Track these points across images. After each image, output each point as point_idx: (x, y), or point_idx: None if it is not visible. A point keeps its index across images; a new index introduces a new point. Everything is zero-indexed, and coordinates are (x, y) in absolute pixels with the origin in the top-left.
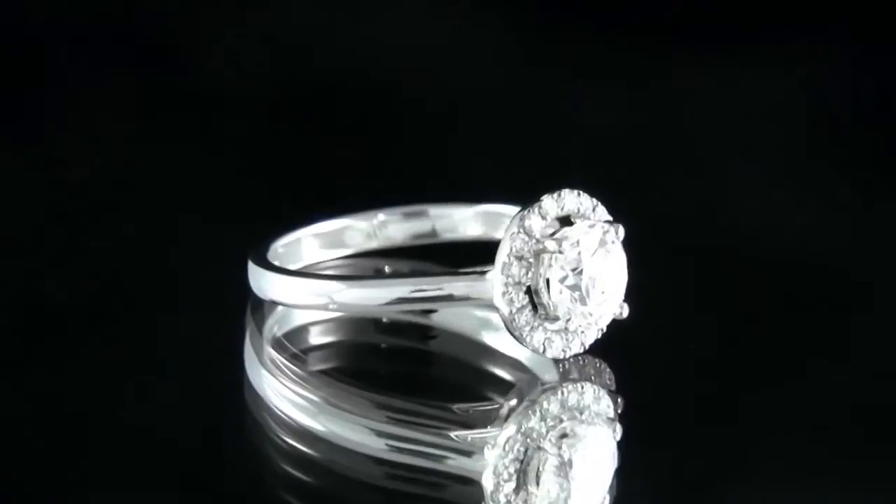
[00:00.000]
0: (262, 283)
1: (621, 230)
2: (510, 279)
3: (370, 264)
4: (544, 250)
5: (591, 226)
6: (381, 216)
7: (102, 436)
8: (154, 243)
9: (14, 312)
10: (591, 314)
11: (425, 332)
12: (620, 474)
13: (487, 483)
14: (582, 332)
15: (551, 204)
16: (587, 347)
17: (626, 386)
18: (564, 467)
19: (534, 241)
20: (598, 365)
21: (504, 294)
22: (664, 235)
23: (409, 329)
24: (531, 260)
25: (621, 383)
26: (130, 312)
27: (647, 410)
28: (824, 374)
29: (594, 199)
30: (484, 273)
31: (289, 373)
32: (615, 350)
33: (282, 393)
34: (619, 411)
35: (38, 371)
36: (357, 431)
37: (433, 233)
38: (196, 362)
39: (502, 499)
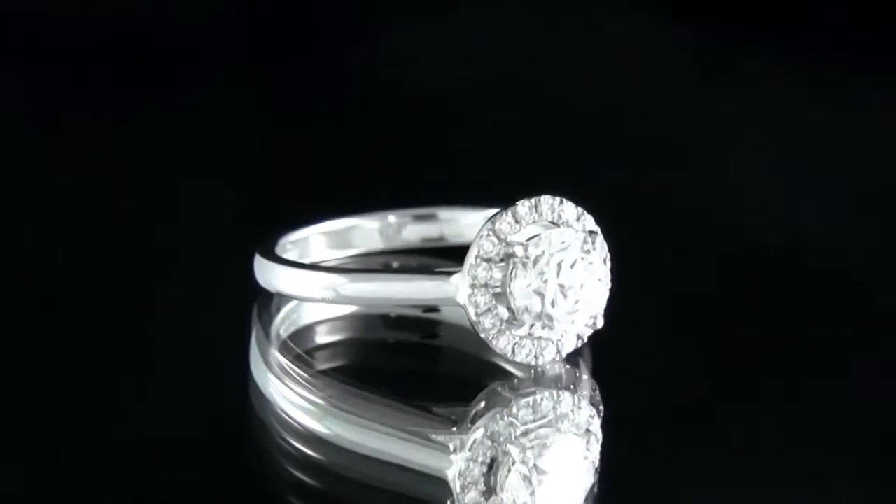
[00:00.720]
0: (264, 271)
1: (599, 241)
2: (476, 281)
3: (379, 262)
4: (512, 255)
5: (566, 234)
6: (391, 217)
7: (105, 437)
8: (158, 243)
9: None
10: (558, 323)
11: (430, 330)
12: (600, 487)
13: (454, 485)
14: (559, 340)
15: (525, 209)
16: (563, 356)
17: (615, 397)
18: (529, 475)
19: (503, 244)
20: (577, 374)
21: (469, 296)
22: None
23: (418, 325)
24: (500, 263)
25: (609, 394)
26: (134, 313)
27: (630, 421)
28: (824, 377)
29: (580, 209)
30: (452, 274)
31: (294, 375)
32: (605, 358)
33: (287, 396)
34: (599, 423)
35: (39, 373)
36: (352, 432)
37: (441, 237)
38: (202, 364)
39: (467, 501)
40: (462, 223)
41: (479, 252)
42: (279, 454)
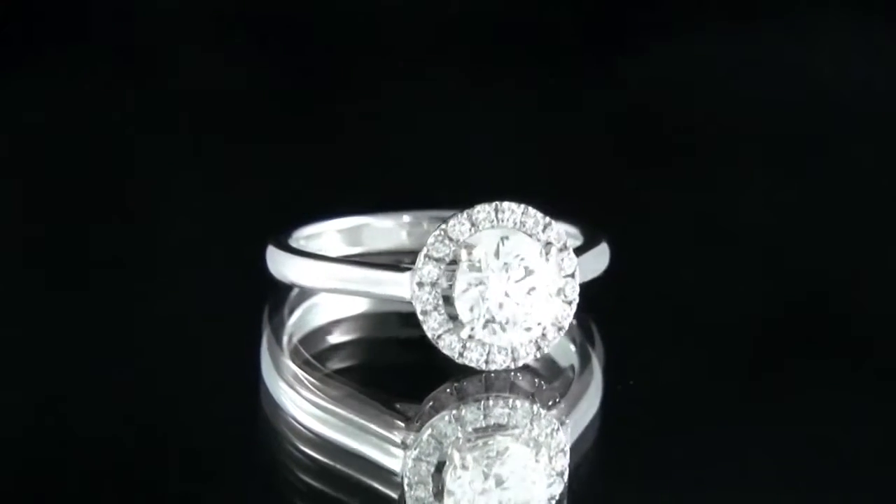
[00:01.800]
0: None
1: (565, 255)
2: (423, 279)
3: (390, 261)
4: (458, 257)
5: (521, 241)
6: (406, 217)
7: (109, 441)
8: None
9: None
10: (502, 329)
11: None
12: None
13: (402, 482)
14: (513, 348)
15: (483, 214)
16: (518, 365)
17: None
18: (472, 479)
19: (454, 246)
20: (537, 382)
21: (416, 294)
22: None
23: None
24: (449, 265)
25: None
26: (139, 314)
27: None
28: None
29: (547, 219)
30: (404, 270)
31: (305, 381)
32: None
33: (297, 403)
34: (561, 434)
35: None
36: (311, 418)
37: None
38: (212, 367)
39: (409, 501)
40: None
41: (428, 251)
42: (289, 461)
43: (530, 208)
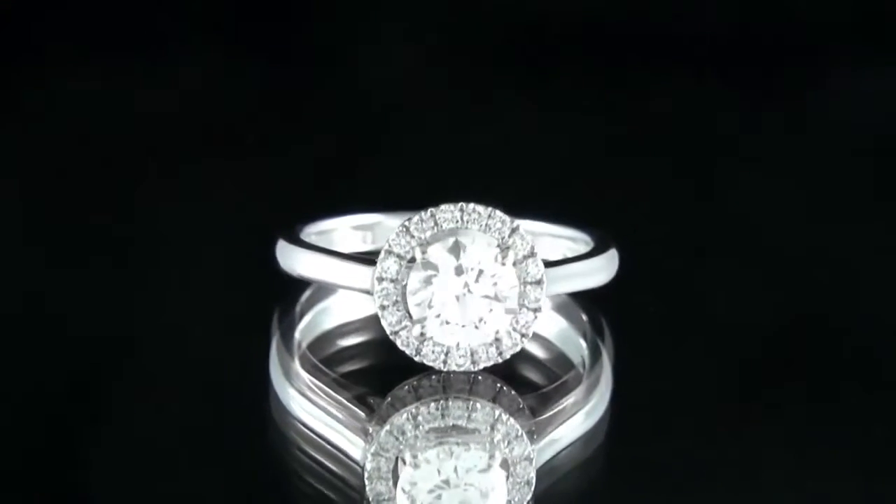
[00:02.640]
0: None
1: (513, 256)
2: (383, 274)
3: None
4: (415, 255)
5: (478, 243)
6: None
7: (115, 445)
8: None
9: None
10: (451, 331)
11: None
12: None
13: (363, 474)
14: (473, 350)
15: (448, 213)
16: (478, 368)
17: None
18: (420, 477)
19: (414, 243)
20: (500, 387)
21: (375, 288)
22: None
23: None
24: (408, 262)
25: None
26: (146, 317)
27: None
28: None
29: (515, 222)
30: (371, 264)
31: (314, 388)
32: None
33: (307, 410)
34: (525, 442)
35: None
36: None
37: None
38: (221, 369)
39: (369, 494)
40: None
41: (389, 246)
42: (299, 467)
43: (497, 212)
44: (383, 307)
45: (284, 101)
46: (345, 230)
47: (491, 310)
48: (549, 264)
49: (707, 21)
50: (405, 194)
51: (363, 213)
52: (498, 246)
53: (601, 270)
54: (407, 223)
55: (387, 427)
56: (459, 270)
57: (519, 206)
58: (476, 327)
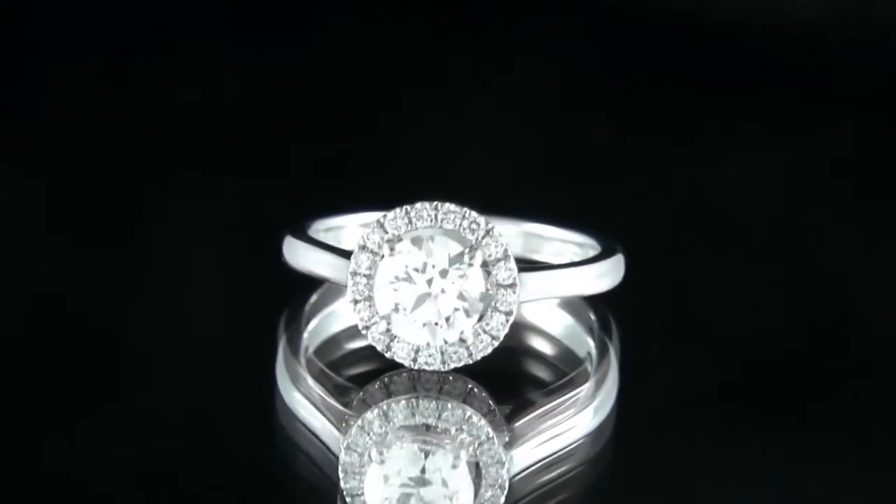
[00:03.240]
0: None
1: (480, 257)
2: (357, 269)
3: None
4: (384, 251)
5: (440, 244)
6: None
7: (121, 449)
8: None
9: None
10: (413, 329)
11: None
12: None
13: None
14: (443, 350)
15: (423, 211)
16: (448, 368)
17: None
18: (387, 476)
19: (386, 238)
20: (471, 388)
21: (348, 281)
22: None
23: None
24: (378, 257)
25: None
26: (147, 318)
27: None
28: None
29: (490, 224)
30: (347, 256)
31: (321, 394)
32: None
33: (314, 415)
34: (496, 444)
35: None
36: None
37: None
38: (227, 373)
39: (343, 488)
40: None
41: (363, 241)
42: (304, 471)
43: (472, 213)
44: (356, 301)
45: (298, 97)
46: (353, 227)
47: (456, 309)
48: (551, 267)
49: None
50: (419, 193)
51: (372, 210)
52: (470, 247)
53: (605, 276)
54: (382, 219)
55: (359, 422)
56: (425, 269)
57: (533, 209)
58: (440, 326)
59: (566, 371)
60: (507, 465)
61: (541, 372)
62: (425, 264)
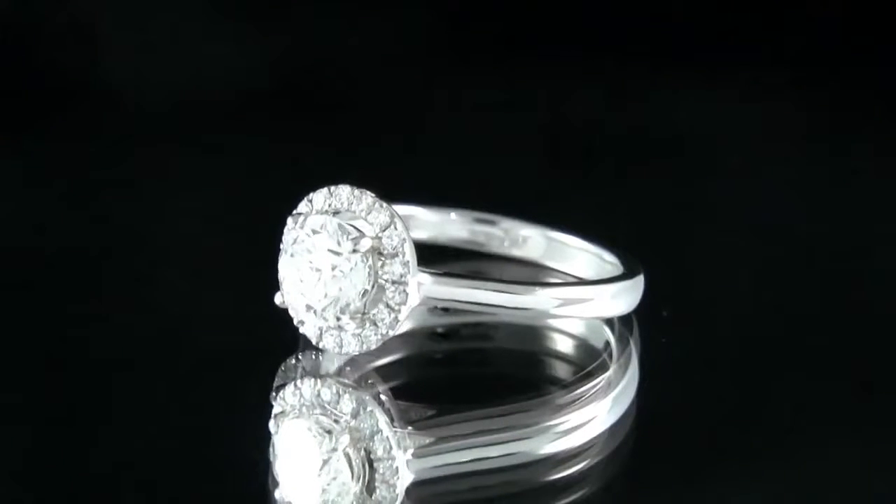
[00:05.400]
0: None
1: (367, 246)
2: (285, 244)
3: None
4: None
5: (325, 231)
6: (453, 214)
7: (115, 448)
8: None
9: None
10: (296, 308)
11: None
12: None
13: None
14: (358, 331)
15: (344, 195)
16: (343, 352)
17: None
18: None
19: (305, 212)
20: (371, 382)
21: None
22: None
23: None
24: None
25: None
26: (154, 321)
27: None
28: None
29: (395, 219)
30: None
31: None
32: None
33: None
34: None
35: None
36: None
37: (487, 243)
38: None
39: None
40: (519, 233)
41: (293, 212)
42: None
43: (382, 203)
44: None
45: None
46: None
47: (326, 295)
48: (564, 284)
49: None
50: (446, 189)
51: (397, 204)
52: (354, 235)
53: (623, 296)
54: (313, 193)
55: (279, 394)
56: (305, 252)
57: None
58: (315, 311)
59: (585, 364)
60: (397, 462)
61: (559, 366)
62: (307, 249)
